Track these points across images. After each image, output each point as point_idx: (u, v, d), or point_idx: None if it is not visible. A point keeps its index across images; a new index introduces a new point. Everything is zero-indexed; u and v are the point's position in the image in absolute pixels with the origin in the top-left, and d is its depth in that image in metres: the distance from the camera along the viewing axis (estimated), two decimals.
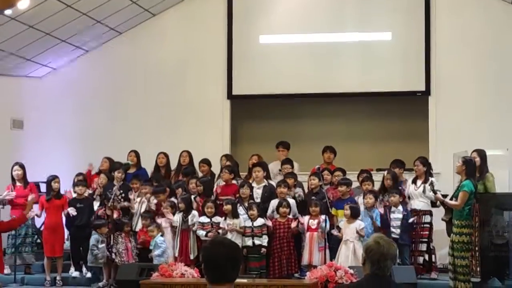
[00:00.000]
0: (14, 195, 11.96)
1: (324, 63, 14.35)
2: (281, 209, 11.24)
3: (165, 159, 13.03)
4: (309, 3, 14.55)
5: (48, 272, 11.98)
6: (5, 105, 14.61)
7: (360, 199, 11.41)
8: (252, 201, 11.53)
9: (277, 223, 11.27)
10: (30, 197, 10.78)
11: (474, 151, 11.04)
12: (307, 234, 11.12)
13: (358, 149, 14.49)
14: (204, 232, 11.22)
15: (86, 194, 12.23)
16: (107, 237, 11.31)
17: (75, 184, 12.28)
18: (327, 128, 14.65)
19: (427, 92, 13.97)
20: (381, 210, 11.10)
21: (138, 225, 11.75)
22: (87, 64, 15.15)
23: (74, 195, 12.34)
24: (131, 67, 14.96)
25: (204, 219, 11.36)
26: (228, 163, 12.47)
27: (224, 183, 12.04)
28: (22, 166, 12.38)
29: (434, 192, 10.82)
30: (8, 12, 12.32)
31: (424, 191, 11.11)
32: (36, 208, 12.05)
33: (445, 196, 10.64)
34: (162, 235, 11.29)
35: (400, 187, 11.52)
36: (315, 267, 10.12)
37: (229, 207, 11.27)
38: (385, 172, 11.77)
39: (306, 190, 11.96)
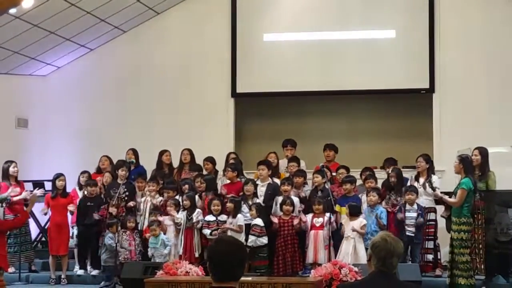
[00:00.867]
0: (18, 191, 11.99)
1: (328, 61, 14.35)
2: (284, 207, 11.25)
3: (171, 157, 13.06)
4: (313, 1, 14.55)
5: (53, 270, 12.04)
6: (10, 104, 14.63)
7: (363, 197, 11.42)
8: (256, 198, 11.55)
9: (281, 221, 11.28)
10: (33, 193, 10.78)
11: (475, 148, 11.04)
12: (311, 232, 11.12)
13: (361, 146, 14.49)
14: (209, 231, 11.24)
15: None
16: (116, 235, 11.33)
17: (86, 185, 12.27)
18: (331, 126, 14.66)
19: (431, 89, 13.96)
20: (388, 209, 11.12)
21: (145, 224, 11.76)
22: (91, 62, 15.17)
23: (80, 194, 12.38)
24: (135, 66, 14.98)
25: (210, 217, 11.37)
26: (231, 161, 12.49)
27: (228, 181, 12.06)
28: (17, 164, 12.37)
29: (433, 189, 10.85)
30: (12, 11, 12.33)
31: (424, 188, 11.12)
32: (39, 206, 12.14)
33: (448, 193, 10.64)
34: (164, 233, 11.32)
35: (404, 185, 11.52)
36: (319, 265, 10.12)
37: (231, 205, 11.29)
38: (389, 170, 11.78)
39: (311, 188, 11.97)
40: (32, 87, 15.07)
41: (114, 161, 12.82)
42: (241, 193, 11.70)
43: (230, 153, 13.13)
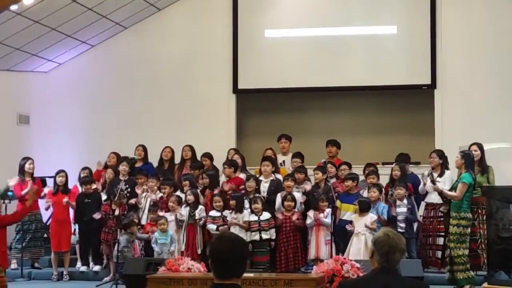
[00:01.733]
0: (18, 179, 12.02)
1: (329, 57, 14.34)
2: (286, 203, 11.26)
3: (171, 153, 13.05)
4: None
5: (55, 266, 12.04)
6: (11, 101, 14.63)
7: (365, 193, 11.41)
8: (257, 194, 11.55)
9: (283, 217, 11.28)
10: (31, 189, 10.77)
11: (474, 144, 11.04)
12: (313, 228, 11.13)
13: (363, 143, 14.48)
14: (214, 226, 11.24)
15: (94, 187, 12.26)
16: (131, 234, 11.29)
17: (81, 183, 12.29)
18: (333, 122, 14.65)
19: (433, 85, 13.95)
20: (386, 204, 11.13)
21: (144, 219, 11.77)
22: (92, 59, 15.16)
23: (81, 189, 12.39)
24: (136, 62, 14.97)
25: (215, 213, 11.38)
26: (236, 156, 12.50)
27: (225, 178, 12.07)
28: (33, 161, 12.42)
29: (433, 182, 10.82)
30: (13, 7, 12.34)
31: (433, 181, 11.01)
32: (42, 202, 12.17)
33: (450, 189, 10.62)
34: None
35: (407, 181, 11.50)
36: (321, 261, 10.12)
37: (233, 202, 11.30)
38: (394, 165, 11.77)
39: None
40: (33, 83, 15.06)
41: None
42: (241, 187, 11.70)
43: (230, 149, 13.14)
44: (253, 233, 11.14)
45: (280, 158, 12.80)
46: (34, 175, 12.55)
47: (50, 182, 12.71)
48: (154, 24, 14.99)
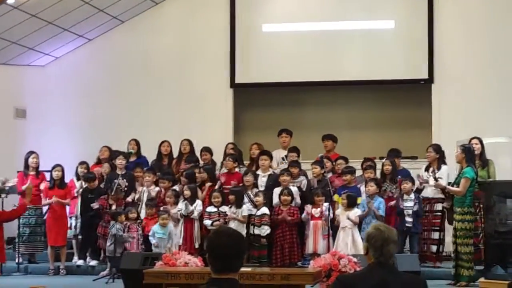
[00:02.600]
0: (16, 181, 11.98)
1: (327, 51, 14.33)
2: (283, 197, 11.26)
3: (170, 147, 13.04)
4: None
5: (52, 261, 12.04)
6: (8, 94, 14.62)
7: (362, 187, 11.41)
8: (256, 189, 11.55)
9: (279, 211, 11.29)
10: (28, 187, 10.77)
11: (474, 138, 11.02)
12: (311, 223, 11.13)
13: (361, 137, 14.49)
14: (210, 222, 11.24)
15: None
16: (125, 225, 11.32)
17: (85, 180, 12.26)
18: (330, 116, 14.64)
19: (430, 80, 13.95)
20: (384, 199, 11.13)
21: (142, 214, 11.78)
22: (89, 53, 15.14)
23: (78, 184, 12.37)
24: (133, 56, 14.94)
25: (211, 208, 11.38)
26: (231, 151, 12.48)
27: (227, 171, 12.06)
28: (38, 156, 12.39)
29: (435, 179, 10.81)
30: (10, 1, 12.32)
31: (436, 178, 11.00)
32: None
33: (449, 184, 10.61)
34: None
35: (398, 176, 11.48)
36: (318, 255, 10.12)
37: (232, 197, 11.30)
38: (384, 159, 11.77)
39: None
40: (30, 77, 15.04)
41: None
42: (240, 184, 11.70)
43: (228, 143, 13.12)
44: (250, 226, 11.15)
45: (282, 153, 12.75)
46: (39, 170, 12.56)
47: (46, 176, 12.67)
48: (151, 18, 14.95)
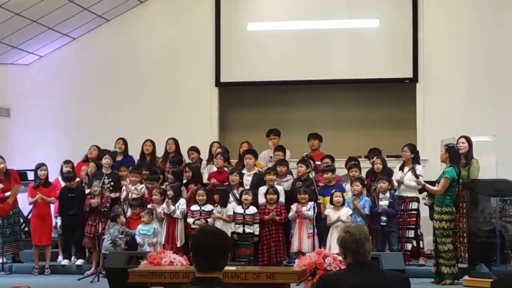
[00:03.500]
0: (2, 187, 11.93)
1: (312, 50, 14.34)
2: (269, 196, 11.27)
3: (152, 146, 12.98)
4: None
5: (36, 260, 11.99)
6: None
7: (347, 186, 11.43)
8: (241, 188, 11.56)
9: (266, 210, 11.29)
10: (15, 186, 10.73)
11: (462, 137, 11.07)
12: (296, 221, 11.15)
13: (346, 136, 14.52)
14: (192, 220, 11.25)
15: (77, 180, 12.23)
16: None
17: (64, 179, 12.22)
18: (315, 115, 14.66)
19: (414, 79, 14.00)
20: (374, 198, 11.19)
21: (128, 212, 11.77)
22: (74, 51, 15.08)
23: (63, 183, 12.33)
24: (118, 55, 14.90)
25: (195, 207, 11.37)
26: (219, 150, 12.47)
27: (215, 169, 12.05)
28: (3, 159, 12.27)
29: (416, 176, 10.87)
30: None
31: (416, 176, 11.05)
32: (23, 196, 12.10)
33: (431, 183, 10.66)
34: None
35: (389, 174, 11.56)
36: (304, 254, 10.13)
37: (217, 196, 11.30)
38: (375, 158, 11.81)
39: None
40: (14, 76, 14.97)
41: None
42: (226, 183, 11.71)
43: (213, 142, 13.12)
44: (237, 225, 11.17)
45: (271, 153, 12.75)
46: (15, 169, 12.47)
47: (30, 176, 12.62)
48: (136, 17, 14.91)
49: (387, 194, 11.14)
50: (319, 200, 11.12)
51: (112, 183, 11.90)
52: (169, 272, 8.08)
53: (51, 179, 12.36)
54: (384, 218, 10.99)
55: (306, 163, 11.67)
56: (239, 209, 11.25)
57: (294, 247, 11.12)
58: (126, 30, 14.90)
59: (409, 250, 11.29)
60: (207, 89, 14.64)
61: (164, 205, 11.40)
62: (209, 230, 4.13)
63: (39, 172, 12.07)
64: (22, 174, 12.82)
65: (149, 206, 11.56)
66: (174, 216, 11.35)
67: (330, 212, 10.90)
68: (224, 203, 11.28)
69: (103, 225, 11.40)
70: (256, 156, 12.13)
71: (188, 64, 14.67)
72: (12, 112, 14.94)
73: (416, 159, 11.56)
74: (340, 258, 8.95)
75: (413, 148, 11.69)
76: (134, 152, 13.09)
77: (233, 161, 12.67)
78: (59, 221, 12.31)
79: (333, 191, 11.06)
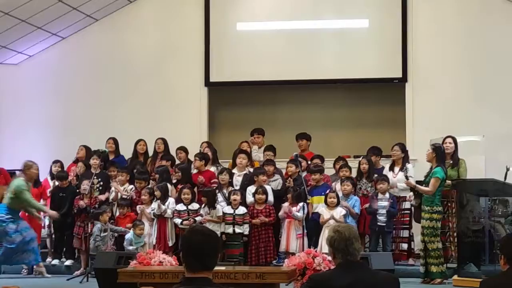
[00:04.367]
0: None
1: (301, 50, 14.35)
2: (257, 196, 11.26)
3: (145, 146, 12.99)
4: None
5: None
6: None
7: (338, 186, 11.44)
8: (231, 187, 11.55)
9: (255, 210, 11.29)
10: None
11: (448, 137, 11.10)
12: (285, 221, 11.15)
13: (335, 136, 14.54)
14: (179, 220, 11.22)
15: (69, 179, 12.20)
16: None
17: (57, 178, 12.19)
18: (305, 115, 14.67)
19: (404, 79, 14.02)
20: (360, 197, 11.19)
21: (117, 212, 11.76)
22: (63, 51, 15.04)
23: (52, 183, 12.29)
24: (107, 54, 14.87)
25: (181, 207, 11.35)
26: (207, 149, 12.47)
27: (196, 170, 12.04)
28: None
29: (406, 177, 10.89)
30: None
31: (407, 177, 11.06)
32: None
33: (419, 182, 10.69)
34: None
35: (375, 175, 11.54)
36: (293, 254, 10.14)
37: (204, 199, 11.30)
38: (361, 158, 11.82)
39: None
40: (3, 75, 14.92)
41: None
42: (212, 181, 11.69)
43: (203, 142, 13.11)
44: (226, 225, 11.16)
45: (259, 152, 12.78)
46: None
47: None
48: (125, 16, 14.89)
49: (387, 195, 11.14)
50: (308, 200, 11.12)
51: (101, 183, 11.88)
52: (159, 272, 8.08)
53: (41, 178, 12.31)
54: (383, 218, 10.99)
55: (295, 163, 11.66)
56: (228, 210, 11.24)
57: (282, 247, 11.14)
58: (115, 30, 14.87)
59: (405, 250, 11.31)
60: (197, 88, 14.63)
61: (153, 205, 11.38)
62: (199, 230, 4.14)
63: None
64: (11, 174, 12.76)
65: (138, 207, 11.52)
66: (165, 216, 11.33)
67: (324, 211, 10.90)
68: (212, 204, 11.27)
69: (91, 226, 11.37)
70: (249, 157, 12.12)
71: (177, 64, 14.65)
72: (0, 111, 14.88)
73: (406, 159, 11.57)
74: (329, 258, 8.99)
75: (403, 148, 11.71)
76: (124, 152, 13.07)
77: (225, 161, 12.67)
78: (46, 221, 12.27)
79: (328, 191, 11.05)
